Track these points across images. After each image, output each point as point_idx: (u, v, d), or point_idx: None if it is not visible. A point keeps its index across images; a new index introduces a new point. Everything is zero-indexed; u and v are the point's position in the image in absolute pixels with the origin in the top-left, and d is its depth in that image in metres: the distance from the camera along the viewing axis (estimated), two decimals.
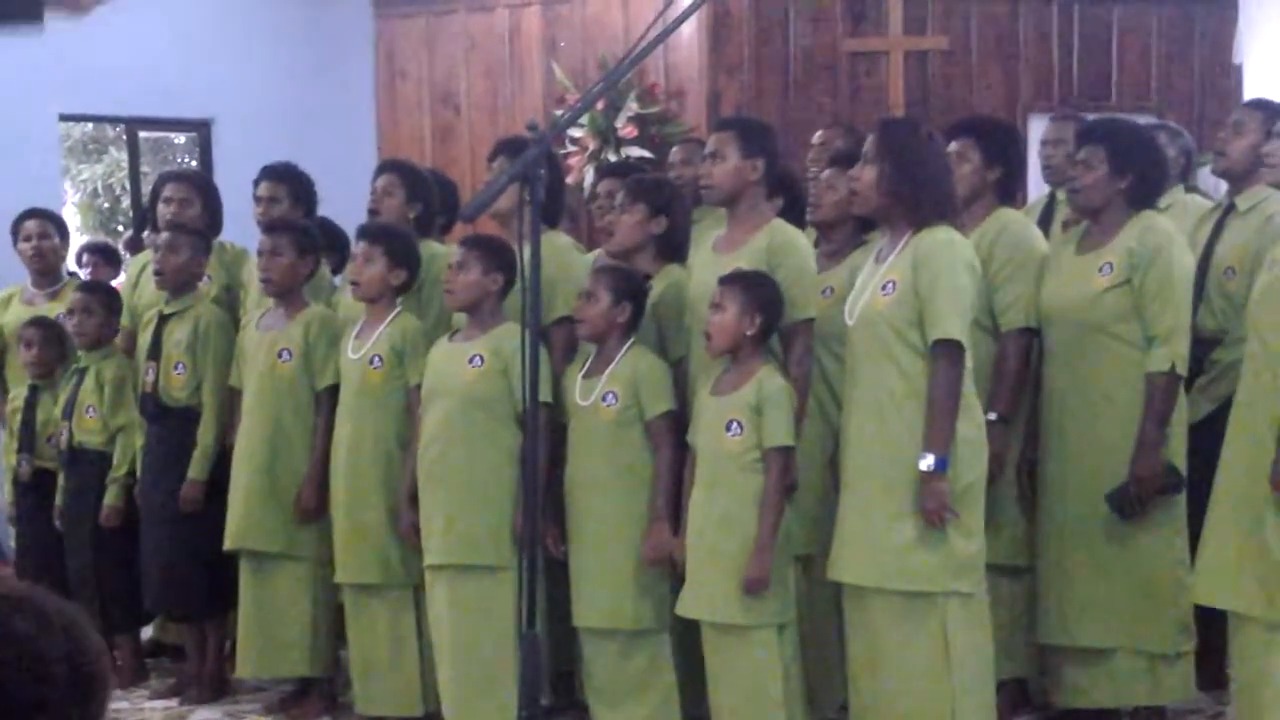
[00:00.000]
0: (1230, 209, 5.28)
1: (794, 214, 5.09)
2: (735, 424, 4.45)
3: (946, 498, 4.12)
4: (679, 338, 4.86)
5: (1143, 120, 5.82)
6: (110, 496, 5.84)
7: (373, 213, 5.60)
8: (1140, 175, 4.63)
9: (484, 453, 4.88)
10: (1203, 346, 5.09)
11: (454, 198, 6.17)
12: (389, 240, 5.22)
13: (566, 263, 5.11)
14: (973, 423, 4.23)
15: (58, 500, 6.01)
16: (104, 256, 7.92)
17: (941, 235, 4.22)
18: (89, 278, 7.23)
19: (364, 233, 5.29)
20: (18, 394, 6.24)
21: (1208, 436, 4.61)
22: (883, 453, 4.22)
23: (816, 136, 6.41)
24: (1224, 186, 6.44)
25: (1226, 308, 5.10)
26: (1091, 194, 4.66)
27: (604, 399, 4.73)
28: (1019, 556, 4.83)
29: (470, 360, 4.89)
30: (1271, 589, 4.06)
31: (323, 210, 6.13)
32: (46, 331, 6.15)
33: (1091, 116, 5.55)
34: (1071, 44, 9.49)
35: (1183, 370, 4.50)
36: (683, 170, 6.01)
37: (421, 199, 5.60)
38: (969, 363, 4.21)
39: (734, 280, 4.48)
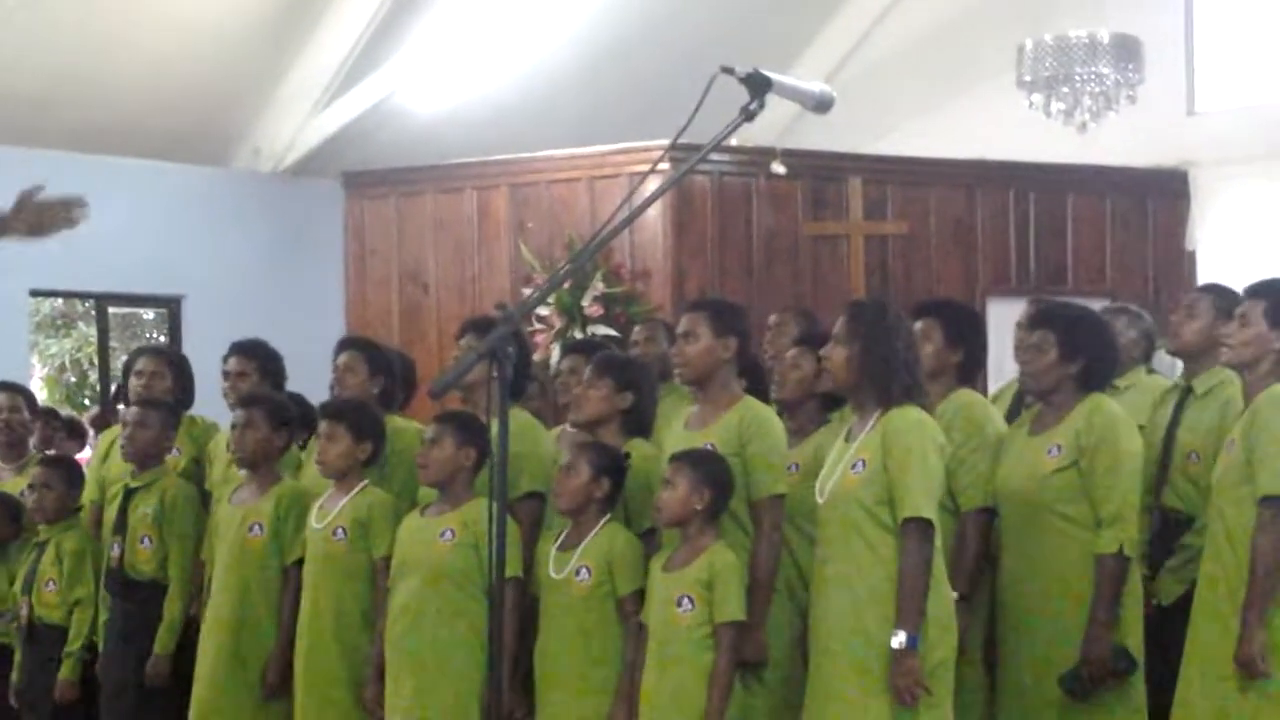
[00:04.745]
0: (1188, 391, 5.37)
1: (755, 395, 5.17)
2: (686, 599, 4.48)
3: (918, 675, 4.13)
4: (644, 510, 4.89)
5: (1100, 304, 5.94)
6: (65, 670, 5.79)
7: (335, 389, 5.65)
8: (1090, 360, 4.71)
9: (453, 626, 4.86)
10: (1171, 528, 5.16)
11: (413, 374, 6.23)
12: (351, 416, 5.26)
13: (533, 438, 5.16)
14: (943, 600, 4.27)
15: (14, 676, 5.94)
16: (69, 430, 7.93)
17: (911, 415, 4.30)
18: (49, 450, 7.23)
19: (326, 411, 5.34)
20: None
21: (1179, 618, 4.65)
22: (854, 630, 4.25)
23: (771, 319, 6.53)
24: (1179, 367, 6.55)
25: (1191, 491, 5.13)
26: (1042, 377, 4.73)
27: (577, 574, 4.73)
28: None
29: (441, 534, 4.91)
30: None
31: (291, 386, 6.18)
32: None
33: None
34: (1028, 230, 9.72)
35: (1131, 552, 4.53)
36: (646, 348, 6.10)
37: (383, 374, 5.66)
38: (938, 541, 4.27)
39: (684, 457, 4.57)
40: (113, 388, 8.48)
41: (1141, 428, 5.00)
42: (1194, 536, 5.05)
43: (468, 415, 5.06)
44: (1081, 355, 4.69)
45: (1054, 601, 4.59)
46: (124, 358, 7.59)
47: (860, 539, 4.26)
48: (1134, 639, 4.58)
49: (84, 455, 7.29)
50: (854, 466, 4.32)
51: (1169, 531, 5.16)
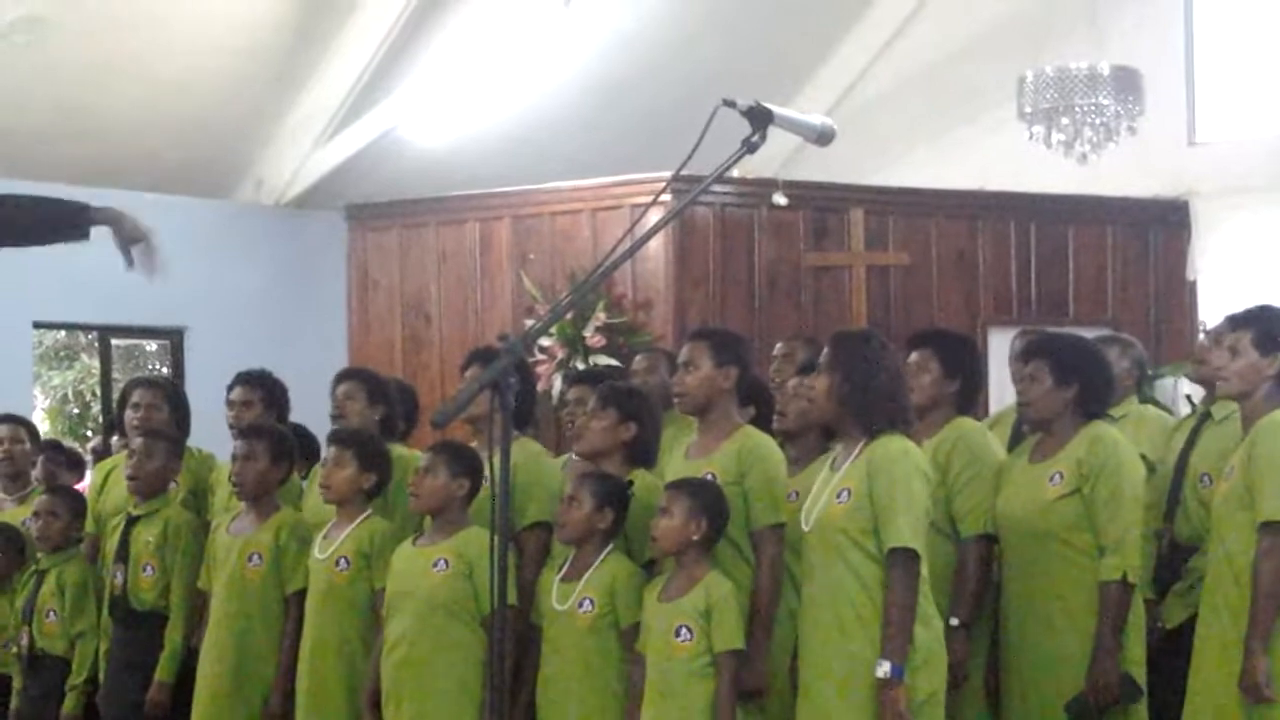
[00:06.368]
0: (1206, 418, 5.39)
1: (764, 422, 5.18)
2: (684, 629, 4.48)
3: (903, 705, 4.12)
4: (646, 541, 4.89)
5: (1095, 334, 5.95)
6: (69, 704, 5.79)
7: (336, 419, 5.67)
8: (1085, 385, 4.74)
9: (448, 657, 4.86)
10: (1180, 553, 5.18)
11: (415, 404, 6.24)
12: (360, 444, 5.28)
13: (539, 468, 5.17)
14: (931, 630, 4.27)
15: (14, 704, 5.94)
16: (69, 460, 7.91)
17: (895, 444, 4.31)
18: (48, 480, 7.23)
19: (335, 437, 5.35)
20: None
21: (1184, 643, 4.67)
22: (840, 659, 4.24)
23: (778, 348, 6.54)
24: (1180, 398, 6.56)
25: (1204, 514, 5.16)
26: (1040, 407, 4.77)
27: (580, 604, 4.73)
28: None
29: (434, 564, 4.91)
30: None
31: (294, 418, 6.18)
32: (3, 539, 6.14)
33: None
34: (1029, 260, 9.73)
35: (1134, 579, 4.55)
36: (646, 378, 6.10)
37: (383, 403, 5.68)
38: (924, 570, 4.27)
39: (680, 486, 4.59)
40: None
41: (1142, 456, 5.02)
42: (1199, 559, 5.07)
43: (462, 446, 5.07)
44: (1075, 380, 4.73)
45: (1057, 629, 4.60)
46: None
47: (845, 567, 4.26)
48: (1138, 666, 4.59)
49: (82, 485, 7.27)
50: (839, 495, 4.32)
51: (1176, 557, 5.18)
